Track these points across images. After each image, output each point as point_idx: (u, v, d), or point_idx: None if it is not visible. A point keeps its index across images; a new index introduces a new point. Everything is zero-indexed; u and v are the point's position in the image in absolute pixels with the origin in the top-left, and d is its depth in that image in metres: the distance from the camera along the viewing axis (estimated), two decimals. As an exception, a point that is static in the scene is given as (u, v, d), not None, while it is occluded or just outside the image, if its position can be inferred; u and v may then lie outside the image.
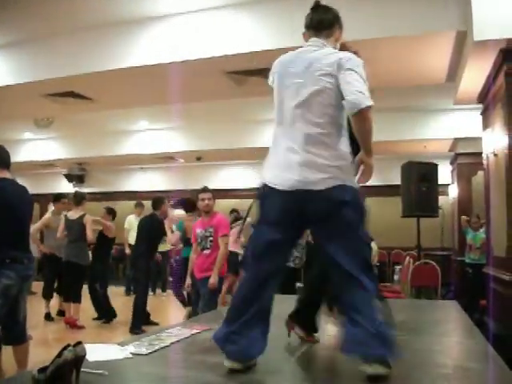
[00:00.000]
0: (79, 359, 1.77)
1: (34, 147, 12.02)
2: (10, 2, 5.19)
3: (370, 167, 2.07)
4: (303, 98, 2.02)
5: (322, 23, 2.18)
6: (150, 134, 11.07)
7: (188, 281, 4.87)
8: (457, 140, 8.89)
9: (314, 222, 2.04)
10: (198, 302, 4.61)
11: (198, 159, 11.98)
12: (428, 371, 2.10)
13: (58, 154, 12.04)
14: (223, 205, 9.13)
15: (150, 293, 7.64)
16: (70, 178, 14.22)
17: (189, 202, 6.05)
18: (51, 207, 7.19)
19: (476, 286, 6.70)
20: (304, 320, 2.57)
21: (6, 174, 3.43)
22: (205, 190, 4.69)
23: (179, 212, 7.31)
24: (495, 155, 4.87)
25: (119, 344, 2.42)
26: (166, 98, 6.81)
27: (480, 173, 7.11)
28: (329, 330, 2.90)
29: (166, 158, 12.26)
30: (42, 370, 1.74)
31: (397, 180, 7.00)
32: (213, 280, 4.39)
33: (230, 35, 5.20)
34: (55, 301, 6.93)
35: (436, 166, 6.78)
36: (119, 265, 12.38)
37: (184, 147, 10.99)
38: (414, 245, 7.67)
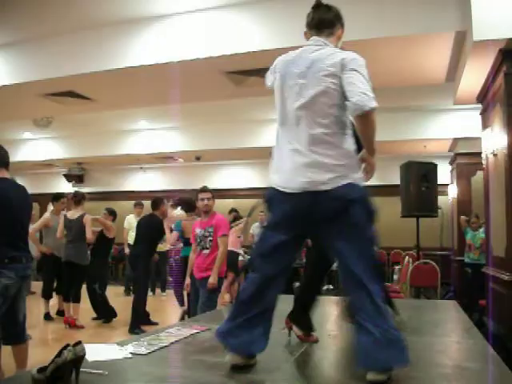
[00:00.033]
0: (79, 359, 1.77)
1: (34, 147, 12.02)
2: (9, 2, 5.19)
3: (372, 166, 2.08)
4: (307, 99, 2.01)
5: (324, 22, 2.17)
6: (149, 134, 11.08)
7: (187, 280, 4.87)
8: (456, 140, 8.90)
9: (322, 222, 2.03)
10: (197, 301, 4.61)
11: (198, 159, 11.99)
12: (427, 371, 2.10)
13: (58, 153, 12.05)
14: (222, 204, 9.13)
15: (150, 293, 7.64)
16: (69, 177, 14.24)
17: (188, 202, 6.05)
18: (50, 207, 7.18)
19: (475, 285, 6.71)
20: (300, 319, 2.58)
21: (5, 174, 3.42)
22: (204, 189, 4.69)
23: (178, 212, 7.30)
24: (494, 155, 4.87)
25: (118, 344, 2.42)
26: (165, 98, 6.81)
27: (479, 173, 7.12)
28: (329, 329, 2.90)
29: (165, 158, 12.28)
30: (42, 369, 1.74)
31: (396, 180, 7.00)
32: (212, 280, 4.39)
33: (230, 35, 5.20)
34: (55, 300, 6.93)
35: (435, 165, 6.78)
36: (119, 265, 12.39)
37: (183, 147, 11.00)
38: (413, 245, 7.68)
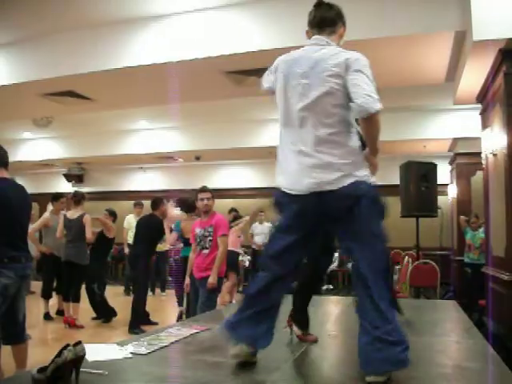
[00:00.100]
0: (79, 359, 1.77)
1: (33, 147, 12.03)
2: (8, 1, 5.18)
3: (375, 166, 2.08)
4: (311, 100, 2.00)
5: (325, 21, 2.17)
6: (149, 134, 11.08)
7: (187, 280, 4.87)
8: (456, 140, 8.91)
9: (331, 221, 2.04)
10: (196, 301, 4.61)
11: (197, 159, 11.99)
12: (427, 371, 2.10)
13: (57, 153, 12.05)
14: (222, 204, 9.13)
15: (150, 293, 7.64)
16: (69, 177, 14.24)
17: (187, 202, 6.04)
18: (50, 207, 7.18)
19: (475, 285, 6.71)
20: (300, 319, 2.58)
21: (4, 174, 3.42)
22: (204, 189, 4.69)
23: (178, 212, 7.30)
24: (494, 155, 4.87)
25: (118, 344, 2.42)
26: (165, 98, 6.80)
27: (479, 173, 7.12)
28: (329, 329, 2.90)
29: (165, 158, 12.28)
30: (42, 369, 1.74)
31: (396, 180, 7.00)
32: (212, 280, 4.39)
33: (229, 35, 5.20)
34: (54, 300, 6.93)
35: (435, 165, 6.78)
36: (118, 264, 12.39)
37: (183, 147, 11.00)
38: (412, 244, 7.67)
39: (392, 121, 8.19)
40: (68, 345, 1.77)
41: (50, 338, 5.90)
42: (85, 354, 1.80)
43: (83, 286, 6.50)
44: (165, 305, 8.57)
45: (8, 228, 3.30)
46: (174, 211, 7.57)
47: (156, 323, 6.24)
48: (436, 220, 7.95)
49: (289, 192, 2.05)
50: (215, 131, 10.29)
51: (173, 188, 12.44)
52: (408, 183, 6.55)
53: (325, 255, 2.59)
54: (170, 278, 9.67)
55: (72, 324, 6.19)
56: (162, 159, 12.43)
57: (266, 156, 11.10)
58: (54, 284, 6.87)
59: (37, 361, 2.82)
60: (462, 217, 8.33)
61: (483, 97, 5.36)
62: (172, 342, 2.51)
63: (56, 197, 6.95)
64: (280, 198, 2.11)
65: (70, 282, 6.34)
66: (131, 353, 2.24)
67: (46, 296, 6.77)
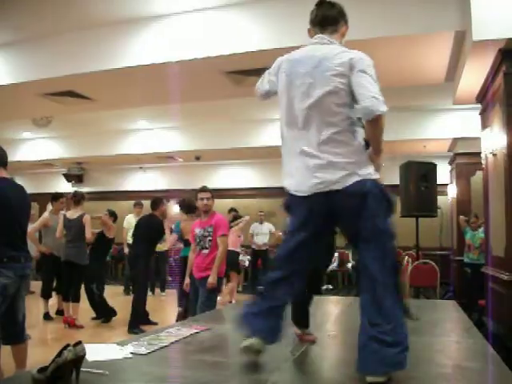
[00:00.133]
0: (79, 359, 1.77)
1: (33, 147, 12.03)
2: (8, 1, 5.18)
3: (378, 166, 2.08)
4: (315, 99, 2.00)
5: (327, 19, 2.16)
6: (148, 134, 11.08)
7: (187, 280, 4.87)
8: (456, 140, 8.91)
9: (339, 220, 2.05)
10: (196, 301, 4.61)
11: (197, 159, 11.99)
12: (427, 371, 2.10)
13: (57, 153, 12.05)
14: (222, 204, 9.13)
15: (149, 293, 7.64)
16: (68, 177, 14.24)
17: (187, 203, 6.04)
18: (50, 207, 7.18)
19: (475, 285, 6.71)
20: (300, 319, 2.58)
21: (3, 173, 3.42)
22: (204, 189, 4.68)
23: (178, 212, 7.30)
24: (494, 155, 4.88)
25: (118, 344, 2.42)
26: (164, 98, 6.81)
27: (479, 173, 7.12)
28: (329, 329, 2.90)
29: (164, 158, 12.28)
30: (42, 369, 1.74)
31: (395, 180, 7.01)
32: (212, 280, 4.39)
33: (228, 35, 5.20)
34: (54, 300, 6.93)
35: (435, 165, 6.78)
36: (118, 264, 12.39)
37: (183, 147, 11.00)
38: (412, 244, 7.68)
39: (391, 121, 8.10)
40: (68, 345, 1.77)
41: (50, 338, 5.89)
42: (85, 354, 1.79)
43: (83, 286, 6.50)
44: (164, 305, 8.57)
45: (7, 228, 3.30)
46: (173, 211, 7.57)
47: (156, 323, 6.24)
48: (436, 220, 7.96)
49: (295, 194, 2.06)
50: (215, 131, 10.29)
51: (173, 188, 12.46)
52: (408, 183, 6.55)
53: (325, 255, 2.59)
54: (169, 278, 9.70)
55: (72, 324, 6.18)
56: (162, 159, 12.43)
57: (265, 156, 11.12)
58: (54, 284, 6.87)
59: (36, 361, 2.81)
60: (461, 217, 8.33)
61: (483, 97, 5.36)
62: (172, 342, 2.51)
63: (56, 197, 6.95)
64: (289, 201, 2.12)
65: (70, 281, 6.34)
66: (131, 353, 2.24)
67: (46, 296, 6.77)
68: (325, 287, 9.87)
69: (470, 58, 4.51)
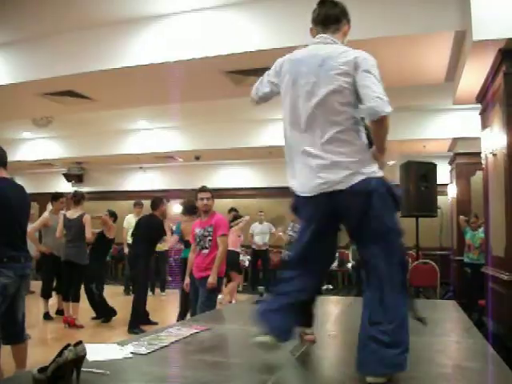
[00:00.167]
0: (80, 359, 1.77)
1: (33, 146, 12.03)
2: (8, 1, 5.18)
3: (382, 165, 2.07)
4: (320, 98, 1.99)
5: (330, 18, 2.15)
6: (148, 134, 11.08)
7: (186, 280, 4.87)
8: (456, 140, 8.91)
9: (345, 220, 2.05)
10: (196, 301, 4.61)
11: (197, 158, 11.99)
12: (427, 370, 2.10)
13: (57, 153, 12.05)
14: (222, 204, 9.14)
15: (149, 293, 7.64)
16: (68, 177, 14.24)
17: (188, 204, 6.03)
18: (50, 206, 7.18)
19: (475, 285, 6.71)
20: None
21: (3, 173, 3.42)
22: (204, 189, 4.68)
23: (178, 212, 7.30)
24: (494, 155, 4.88)
25: (119, 343, 2.42)
26: (164, 98, 6.81)
27: (479, 173, 7.12)
28: (329, 329, 2.90)
29: (164, 158, 12.28)
30: (42, 369, 1.74)
31: (395, 180, 7.01)
32: (212, 280, 4.39)
33: (228, 35, 5.20)
34: (54, 300, 6.93)
35: (435, 165, 6.78)
36: (118, 264, 12.39)
37: (183, 147, 11.00)
38: (412, 244, 7.67)
39: (391, 121, 8.15)
40: (69, 344, 1.77)
41: (50, 338, 5.89)
42: (85, 354, 1.80)
43: (83, 286, 6.50)
44: (165, 305, 8.57)
45: (7, 228, 3.30)
46: (173, 211, 7.57)
47: (156, 323, 6.23)
48: (436, 220, 7.95)
49: (301, 195, 2.06)
50: (215, 131, 10.29)
51: (172, 188, 12.46)
52: (408, 183, 6.55)
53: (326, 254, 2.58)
54: (169, 278, 9.70)
55: (72, 324, 6.18)
56: (162, 159, 12.43)
57: (265, 156, 11.13)
58: (54, 284, 6.87)
59: (36, 361, 2.82)
60: (461, 217, 8.33)
61: (483, 97, 5.36)
62: (172, 342, 2.51)
63: (56, 196, 6.95)
64: (296, 203, 2.13)
65: (70, 281, 6.34)
66: (131, 353, 2.24)
67: (46, 296, 6.77)
68: (325, 287, 9.87)
69: (470, 57, 4.51)
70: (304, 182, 2.04)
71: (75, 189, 9.78)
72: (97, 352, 2.12)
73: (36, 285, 7.58)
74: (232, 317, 3.96)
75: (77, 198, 6.48)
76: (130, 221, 9.12)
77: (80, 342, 1.79)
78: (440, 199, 7.21)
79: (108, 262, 10.95)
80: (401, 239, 2.01)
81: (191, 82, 6.07)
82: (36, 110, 8.14)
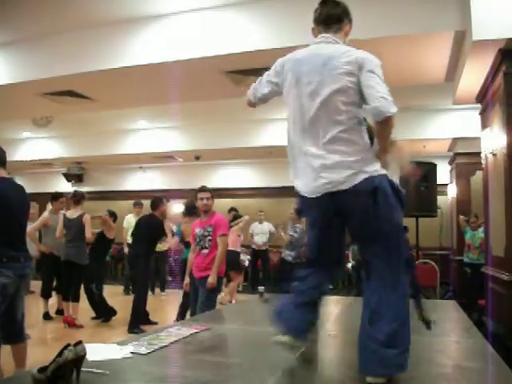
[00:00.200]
0: (80, 359, 1.77)
1: (33, 146, 12.03)
2: (8, 1, 5.18)
3: (384, 164, 2.07)
4: (323, 97, 1.98)
5: (331, 18, 2.15)
6: (148, 134, 11.08)
7: (186, 280, 4.87)
8: (455, 140, 8.91)
9: (348, 219, 2.05)
10: (196, 301, 4.61)
11: (197, 158, 11.99)
12: (427, 371, 2.10)
13: (57, 153, 12.06)
14: (221, 204, 9.14)
15: (149, 293, 7.64)
16: (68, 177, 14.24)
17: (188, 205, 6.02)
18: (49, 206, 7.18)
19: (475, 285, 6.71)
20: None
21: (3, 173, 3.42)
22: (203, 189, 4.68)
23: (178, 212, 7.30)
24: (494, 155, 4.88)
25: (118, 343, 2.42)
26: (164, 98, 6.81)
27: (479, 172, 7.12)
28: (329, 329, 2.90)
29: (164, 158, 12.28)
30: (42, 369, 1.74)
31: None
32: (211, 279, 4.39)
33: (228, 35, 5.20)
34: (54, 300, 6.93)
35: (435, 165, 6.78)
36: (118, 264, 12.39)
37: (183, 146, 11.00)
38: (412, 244, 7.68)
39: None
40: (69, 344, 1.77)
41: (50, 338, 5.89)
42: (85, 354, 1.79)
43: (82, 286, 6.50)
44: (164, 305, 8.57)
45: (7, 228, 3.30)
46: (173, 211, 7.57)
47: (156, 323, 6.23)
48: (435, 220, 7.96)
49: (305, 195, 2.06)
50: (215, 131, 10.29)
51: (172, 188, 12.46)
52: (408, 183, 6.54)
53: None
54: (169, 278, 9.70)
55: (71, 323, 6.18)
56: (162, 159, 12.43)
57: (265, 156, 11.13)
58: (54, 283, 6.87)
59: (36, 360, 2.82)
60: (461, 217, 8.33)
61: (483, 97, 5.36)
62: (172, 342, 2.51)
63: (55, 196, 6.95)
64: (300, 204, 2.13)
65: (70, 281, 6.33)
66: (131, 352, 2.24)
67: (46, 295, 6.77)
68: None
69: (470, 58, 4.51)
70: (307, 182, 2.03)
71: (75, 189, 9.78)
72: (97, 352, 2.12)
73: (36, 285, 7.58)
74: (232, 317, 3.96)
75: (77, 198, 6.48)
76: (129, 221, 9.12)
77: (80, 342, 1.79)
78: (440, 199, 7.22)
79: (108, 262, 10.95)
80: (404, 237, 2.01)
81: (191, 81, 6.07)
82: (36, 110, 8.14)
